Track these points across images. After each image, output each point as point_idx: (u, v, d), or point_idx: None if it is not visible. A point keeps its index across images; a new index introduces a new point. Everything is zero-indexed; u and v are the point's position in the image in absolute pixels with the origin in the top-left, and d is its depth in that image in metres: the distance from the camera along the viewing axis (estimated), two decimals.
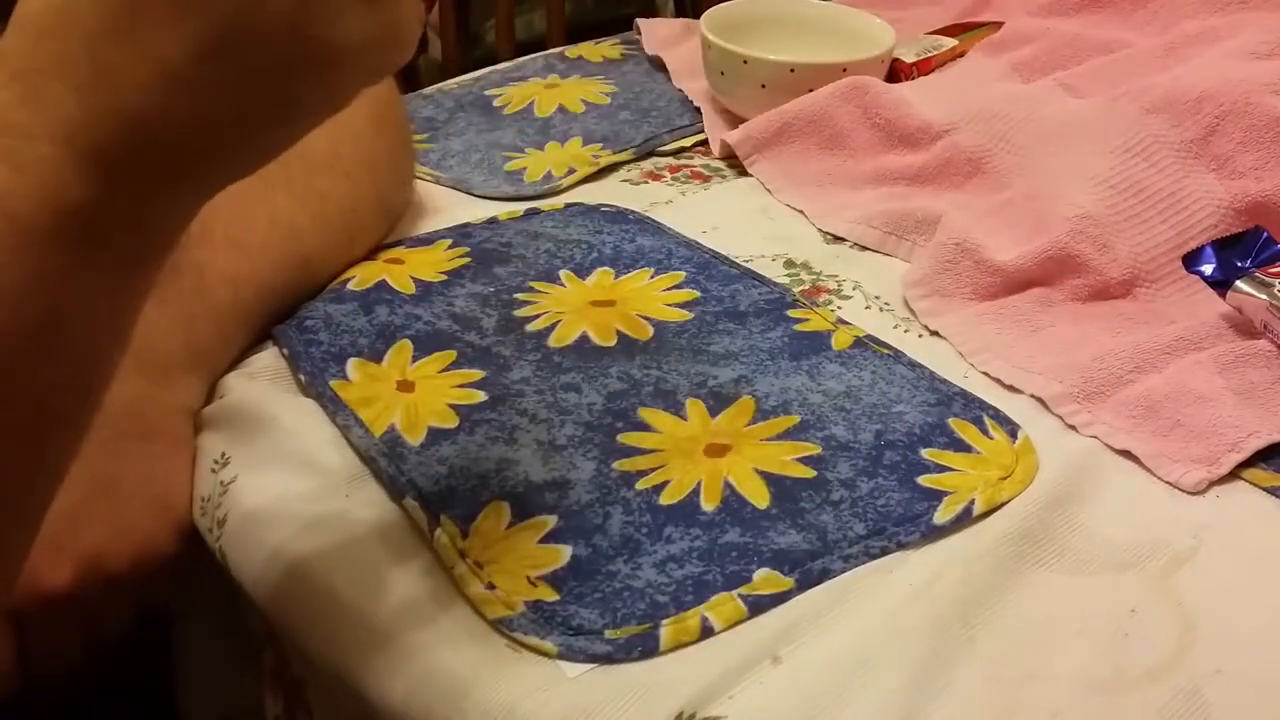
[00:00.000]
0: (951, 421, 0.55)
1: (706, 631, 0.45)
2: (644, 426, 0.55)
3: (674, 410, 0.56)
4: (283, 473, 0.53)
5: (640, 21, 0.99)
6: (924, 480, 0.52)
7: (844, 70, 0.80)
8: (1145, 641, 0.45)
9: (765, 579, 0.47)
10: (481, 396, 0.56)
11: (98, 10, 0.31)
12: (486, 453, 0.53)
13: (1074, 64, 0.81)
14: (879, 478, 0.52)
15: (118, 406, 0.53)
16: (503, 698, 0.42)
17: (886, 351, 0.60)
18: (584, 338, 0.61)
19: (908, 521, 0.50)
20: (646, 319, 0.62)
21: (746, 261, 0.68)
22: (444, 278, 0.65)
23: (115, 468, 0.52)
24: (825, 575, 0.47)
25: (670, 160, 0.81)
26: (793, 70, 0.80)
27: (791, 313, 0.63)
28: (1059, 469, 0.53)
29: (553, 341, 0.60)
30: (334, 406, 0.56)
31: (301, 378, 0.58)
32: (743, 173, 0.79)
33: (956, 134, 0.75)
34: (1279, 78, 0.67)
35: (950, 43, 0.90)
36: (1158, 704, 0.42)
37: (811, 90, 0.79)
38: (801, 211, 0.74)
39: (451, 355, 0.59)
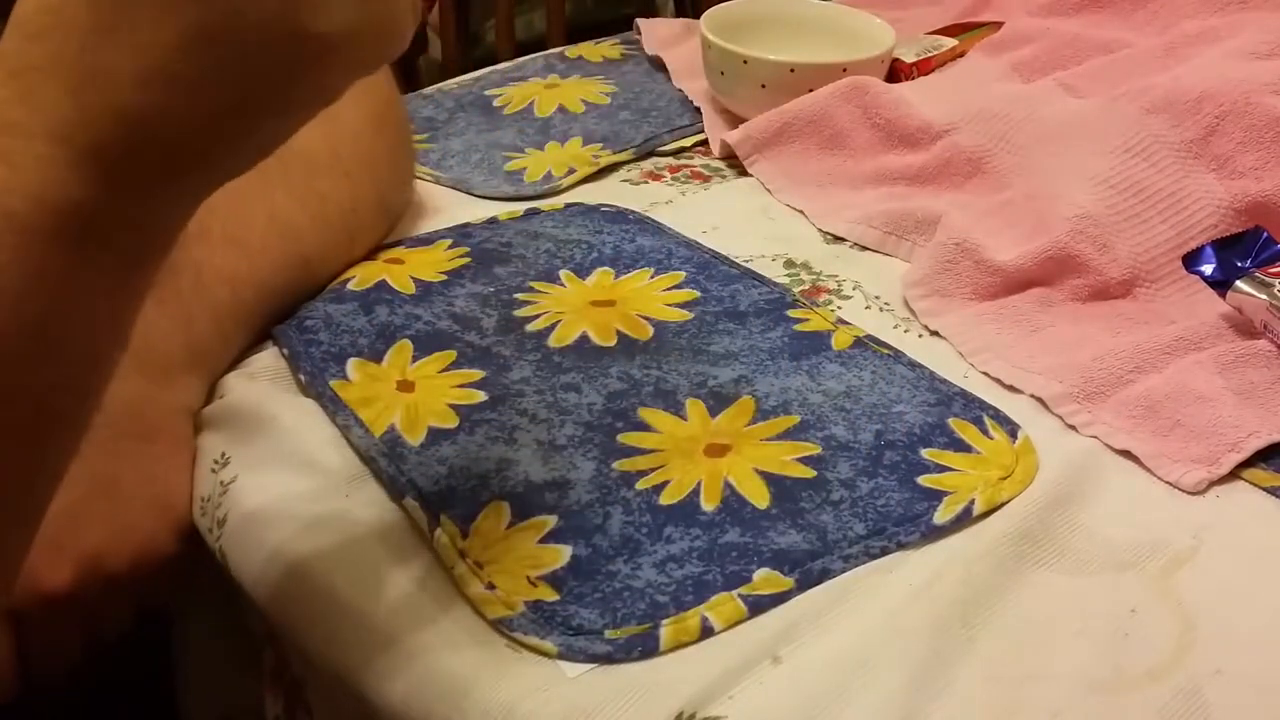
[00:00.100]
0: (951, 421, 0.55)
1: (706, 631, 0.45)
2: (644, 426, 0.55)
3: (674, 410, 0.56)
4: (283, 473, 0.53)
5: (640, 21, 0.99)
6: (924, 480, 0.52)
7: (844, 70, 0.80)
8: (1145, 641, 0.45)
9: (765, 579, 0.47)
10: (481, 396, 0.56)
11: (89, 8, 0.31)
12: (486, 453, 0.53)
13: (1074, 64, 0.81)
14: (879, 478, 0.52)
15: (118, 406, 0.53)
16: (503, 698, 0.42)
17: (886, 351, 0.60)
18: (584, 338, 0.61)
19: (908, 521, 0.50)
20: (646, 319, 0.62)
21: (746, 261, 0.68)
22: (444, 278, 0.65)
23: (115, 468, 0.52)
24: (825, 575, 0.47)
25: (670, 160, 0.81)
26: (793, 70, 0.80)
27: (791, 313, 0.63)
28: (1059, 469, 0.53)
29: (553, 341, 0.60)
30: (334, 406, 0.56)
31: (301, 378, 0.58)
32: (743, 173, 0.79)
33: (956, 134, 0.75)
34: (1279, 78, 0.67)
35: (950, 43, 0.90)
36: (1158, 704, 0.42)
37: (811, 90, 0.79)
38: (801, 211, 0.74)
39: (451, 355, 0.59)
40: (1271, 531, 0.50)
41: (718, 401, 0.56)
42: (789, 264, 0.69)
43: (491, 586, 0.46)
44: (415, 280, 0.65)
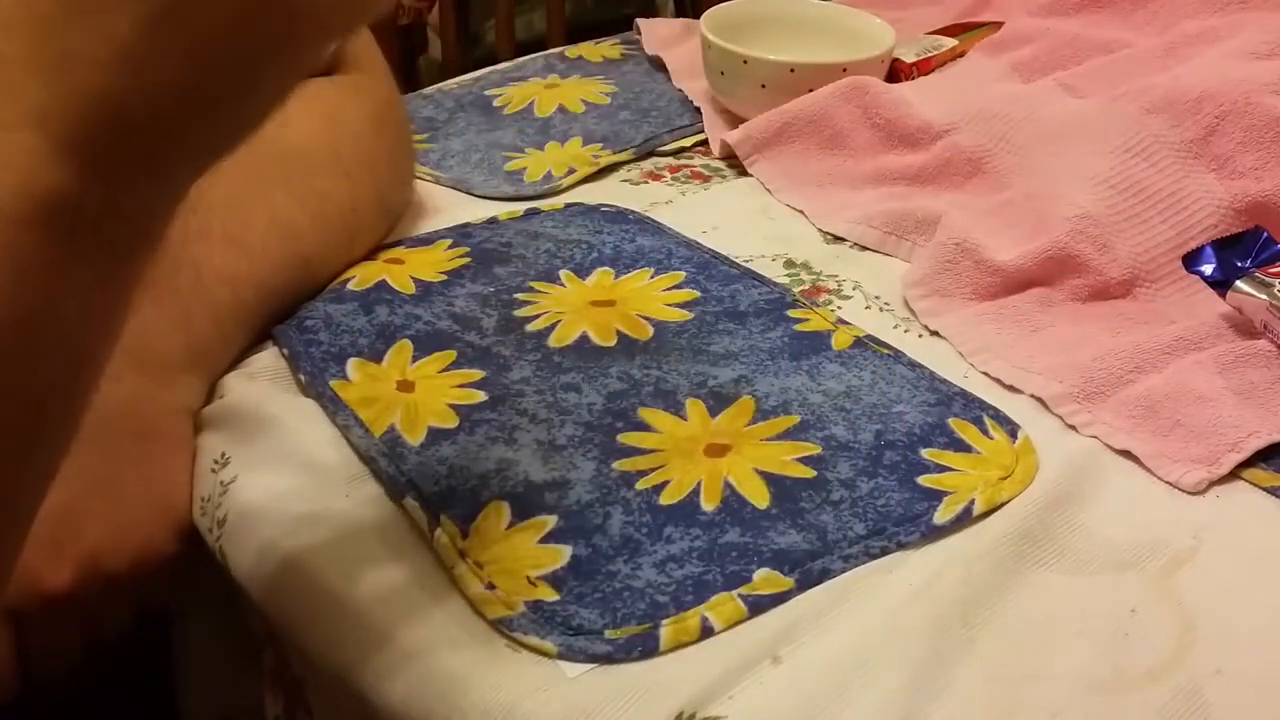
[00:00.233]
0: (951, 421, 0.55)
1: (706, 631, 0.45)
2: (644, 426, 0.55)
3: (674, 410, 0.56)
4: (283, 473, 0.53)
5: (640, 21, 0.99)
6: (924, 480, 0.52)
7: (844, 70, 0.80)
8: (1145, 641, 0.45)
9: (765, 579, 0.47)
10: (481, 396, 0.56)
11: None
12: (486, 453, 0.53)
13: (1074, 64, 0.81)
14: (879, 478, 0.52)
15: (118, 406, 0.53)
16: (503, 698, 0.42)
17: (886, 351, 0.60)
18: (584, 338, 0.61)
19: (908, 521, 0.50)
20: (646, 319, 0.62)
21: (746, 261, 0.68)
22: (444, 278, 0.65)
23: (115, 468, 0.52)
24: (825, 575, 0.47)
25: (670, 160, 0.81)
26: (793, 70, 0.80)
27: (791, 313, 0.63)
28: (1059, 469, 0.53)
29: (553, 341, 0.60)
30: (334, 406, 0.56)
31: (301, 378, 0.58)
32: (743, 173, 0.79)
33: (956, 134, 0.75)
34: (1279, 78, 0.67)
35: (950, 43, 0.90)
36: (1158, 704, 0.42)
37: (811, 90, 0.79)
38: (801, 211, 0.74)
39: (451, 355, 0.59)
40: (1271, 531, 0.50)
41: (718, 401, 0.56)
42: (789, 264, 0.69)
43: (491, 586, 0.46)
44: (415, 280, 0.65)
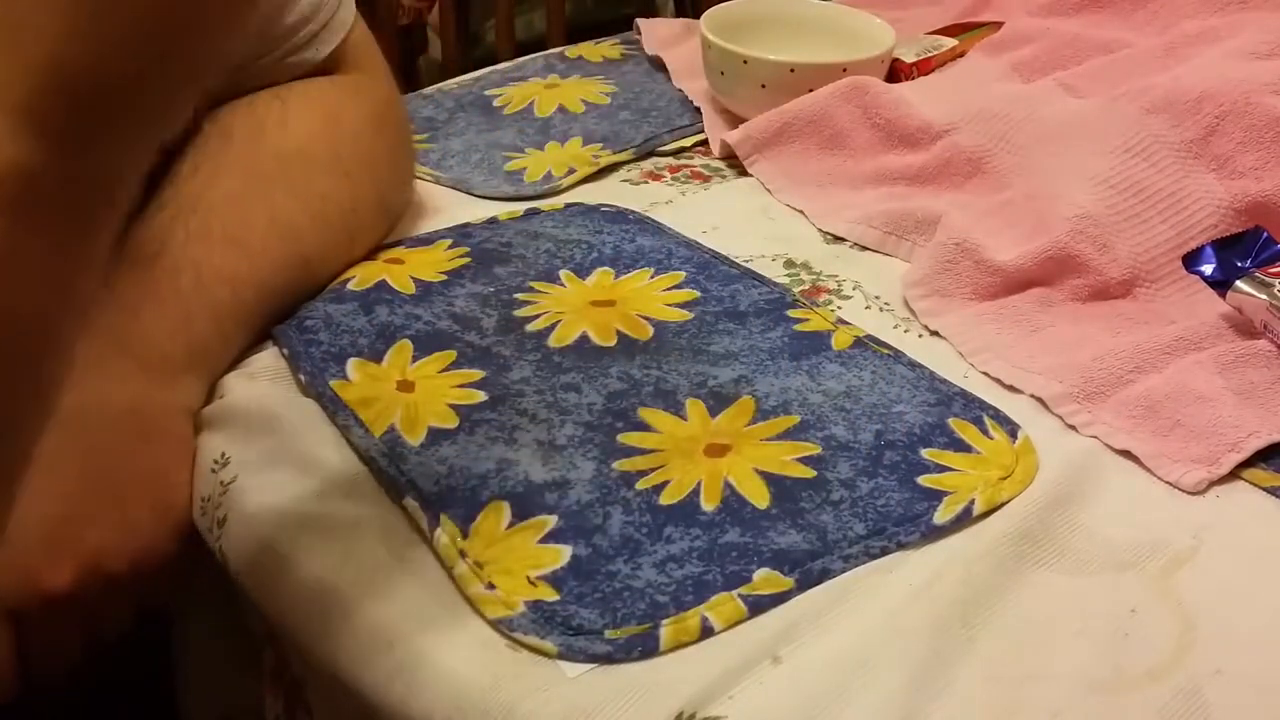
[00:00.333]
0: (951, 421, 0.55)
1: (706, 631, 0.45)
2: (644, 426, 0.55)
3: (674, 410, 0.56)
4: (283, 473, 0.53)
5: (640, 21, 0.99)
6: (924, 480, 0.52)
7: (844, 70, 0.80)
8: (1145, 641, 0.45)
9: (765, 579, 0.47)
10: (481, 396, 0.56)
11: None
12: (486, 453, 0.53)
13: (1074, 64, 0.81)
14: (879, 478, 0.52)
15: (118, 406, 0.53)
16: (503, 698, 0.42)
17: (886, 351, 0.60)
18: (584, 338, 0.61)
19: (908, 521, 0.50)
20: (646, 319, 0.62)
21: (746, 261, 0.68)
22: (444, 278, 0.65)
23: (115, 468, 0.52)
24: (825, 575, 0.47)
25: (670, 160, 0.81)
26: (793, 70, 0.80)
27: (791, 313, 0.63)
28: (1059, 469, 0.53)
29: (553, 341, 0.60)
30: (334, 406, 0.56)
31: (301, 378, 0.58)
32: (743, 173, 0.79)
33: (956, 134, 0.75)
34: (1279, 78, 0.67)
35: (950, 43, 0.90)
36: (1158, 704, 0.42)
37: (811, 90, 0.79)
38: (801, 211, 0.74)
39: (451, 355, 0.59)
40: (1271, 531, 0.50)
41: (718, 401, 0.56)
42: (789, 264, 0.69)
43: (491, 586, 0.46)
44: (415, 280, 0.65)
